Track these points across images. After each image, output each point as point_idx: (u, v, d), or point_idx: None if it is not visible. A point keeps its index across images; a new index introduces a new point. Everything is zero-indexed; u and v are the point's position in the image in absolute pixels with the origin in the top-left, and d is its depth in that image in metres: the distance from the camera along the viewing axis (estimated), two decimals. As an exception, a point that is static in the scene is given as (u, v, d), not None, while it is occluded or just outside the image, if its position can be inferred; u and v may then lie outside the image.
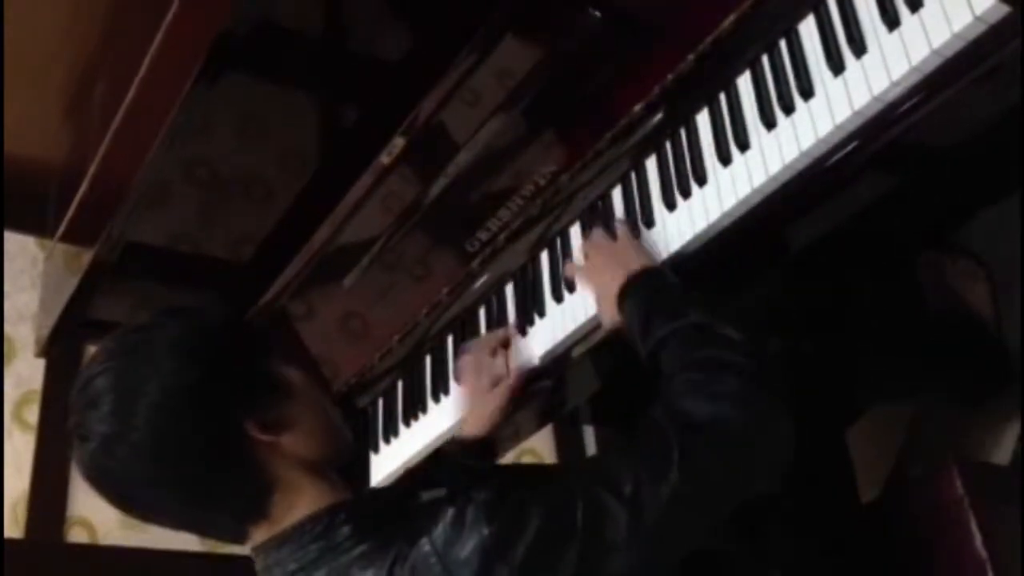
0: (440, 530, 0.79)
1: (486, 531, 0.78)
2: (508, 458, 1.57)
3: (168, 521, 0.88)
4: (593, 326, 1.18)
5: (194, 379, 0.83)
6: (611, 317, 1.05)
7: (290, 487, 0.86)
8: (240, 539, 0.88)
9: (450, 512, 0.80)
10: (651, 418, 0.86)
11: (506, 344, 1.24)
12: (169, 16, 1.30)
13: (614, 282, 1.03)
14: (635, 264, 1.03)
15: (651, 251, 1.07)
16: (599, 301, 1.09)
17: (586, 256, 1.13)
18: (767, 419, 0.86)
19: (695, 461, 0.82)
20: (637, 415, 0.90)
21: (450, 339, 1.41)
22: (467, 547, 0.78)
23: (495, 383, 1.20)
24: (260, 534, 0.87)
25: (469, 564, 0.77)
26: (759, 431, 0.85)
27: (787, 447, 0.86)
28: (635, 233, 1.11)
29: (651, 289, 1.00)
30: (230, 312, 0.95)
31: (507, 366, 1.22)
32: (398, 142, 1.26)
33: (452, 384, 1.37)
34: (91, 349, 1.76)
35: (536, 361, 1.22)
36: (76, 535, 1.70)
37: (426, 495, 0.84)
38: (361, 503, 0.87)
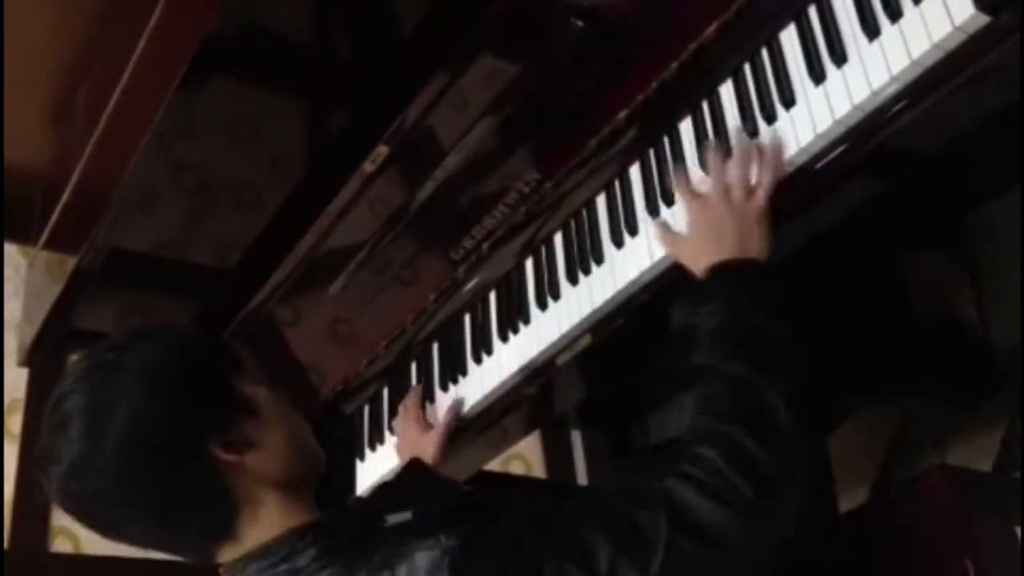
0: (404, 571, 0.79)
1: None
2: (495, 464, 1.57)
3: (137, 540, 0.89)
4: (578, 333, 1.19)
5: (163, 404, 0.84)
6: (691, 264, 0.95)
7: (257, 506, 0.86)
8: (208, 558, 0.88)
9: (416, 553, 0.80)
10: (648, 489, 0.81)
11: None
12: (153, 21, 1.30)
13: (711, 250, 0.92)
14: (746, 246, 0.91)
15: (766, 234, 0.93)
16: (686, 250, 0.98)
17: (696, 206, 0.98)
18: (766, 533, 0.81)
19: (679, 561, 0.77)
20: (625, 421, 0.90)
21: (436, 346, 1.41)
22: None
23: (427, 431, 1.29)
24: (227, 553, 0.87)
25: None
26: (753, 546, 0.80)
27: (779, 546, 0.82)
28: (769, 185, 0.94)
29: (739, 293, 0.88)
30: (200, 333, 0.96)
31: (436, 416, 1.32)
32: (382, 149, 1.26)
33: (437, 392, 1.38)
34: (75, 359, 1.75)
35: (465, 408, 1.30)
36: (60, 545, 1.69)
37: (392, 518, 0.84)
38: (326, 525, 0.88)
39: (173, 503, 0.85)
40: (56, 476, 0.84)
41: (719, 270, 0.91)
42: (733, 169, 0.97)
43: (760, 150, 0.96)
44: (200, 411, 0.85)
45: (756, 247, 0.92)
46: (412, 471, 1.03)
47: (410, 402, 1.36)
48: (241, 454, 0.86)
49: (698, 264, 0.94)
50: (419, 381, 1.42)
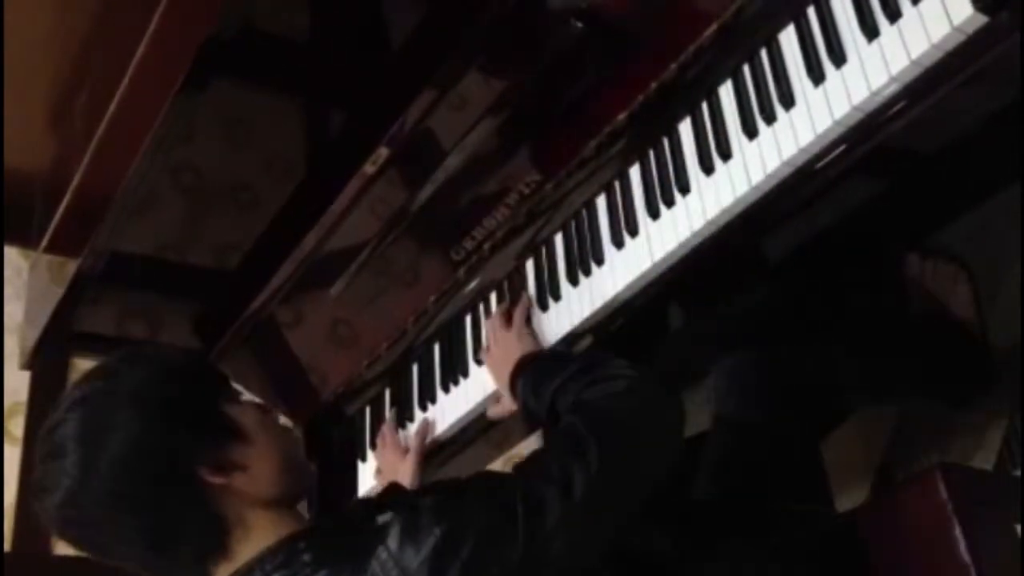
0: (394, 537, 0.82)
1: (437, 531, 0.81)
2: (496, 465, 1.57)
3: (132, 564, 0.90)
4: (578, 334, 1.19)
5: (154, 431, 0.86)
6: (509, 407, 1.19)
7: (248, 525, 0.88)
8: None
9: (402, 520, 0.83)
10: (562, 423, 0.97)
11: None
12: (153, 23, 1.29)
13: (506, 365, 1.16)
14: (518, 354, 1.15)
15: (537, 337, 1.21)
16: (501, 392, 1.22)
17: (487, 348, 1.27)
18: (655, 402, 0.98)
19: (606, 436, 0.90)
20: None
21: (437, 347, 1.41)
22: (422, 550, 0.81)
23: (404, 456, 1.37)
24: (222, 571, 0.89)
25: (424, 565, 0.81)
26: (649, 411, 0.97)
27: (675, 429, 0.99)
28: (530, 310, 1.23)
29: (533, 368, 1.11)
30: (188, 355, 0.98)
31: (411, 439, 1.38)
32: (382, 151, 1.26)
33: (439, 393, 1.38)
34: (77, 361, 1.75)
35: (439, 431, 1.37)
36: (64, 547, 1.69)
37: (381, 518, 0.86)
38: (319, 531, 0.90)
39: (166, 528, 0.87)
40: (52, 505, 0.86)
41: (514, 374, 1.14)
42: (492, 321, 1.26)
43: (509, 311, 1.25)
44: (189, 436, 0.88)
45: (524, 349, 1.17)
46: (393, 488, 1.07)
47: (386, 431, 1.41)
48: (229, 477, 0.88)
49: (506, 376, 1.16)
50: (420, 382, 1.43)
